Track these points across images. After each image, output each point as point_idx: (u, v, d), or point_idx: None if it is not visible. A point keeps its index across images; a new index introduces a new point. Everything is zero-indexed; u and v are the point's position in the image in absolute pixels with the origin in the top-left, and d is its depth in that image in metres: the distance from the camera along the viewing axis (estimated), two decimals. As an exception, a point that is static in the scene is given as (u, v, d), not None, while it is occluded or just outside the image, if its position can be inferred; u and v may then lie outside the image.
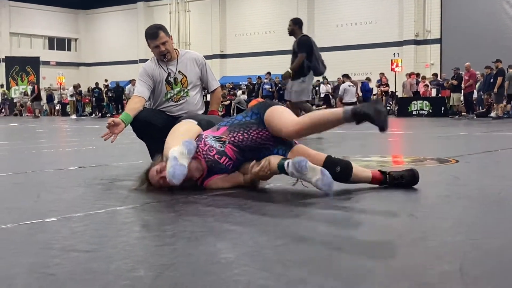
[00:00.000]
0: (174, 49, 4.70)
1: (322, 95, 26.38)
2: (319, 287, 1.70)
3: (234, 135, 3.53)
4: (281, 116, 3.48)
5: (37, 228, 2.59)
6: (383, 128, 3.09)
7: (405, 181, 3.47)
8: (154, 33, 4.57)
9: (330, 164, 3.37)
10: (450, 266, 1.89)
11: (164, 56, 4.59)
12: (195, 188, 3.56)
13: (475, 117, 19.45)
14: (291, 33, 9.40)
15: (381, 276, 1.80)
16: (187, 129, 3.70)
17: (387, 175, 3.48)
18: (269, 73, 25.36)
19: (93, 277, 1.81)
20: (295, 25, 9.40)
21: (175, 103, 4.69)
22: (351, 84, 20.09)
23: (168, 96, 4.68)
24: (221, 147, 3.51)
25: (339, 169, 3.36)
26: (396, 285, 1.71)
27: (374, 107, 3.08)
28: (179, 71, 4.67)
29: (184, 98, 4.70)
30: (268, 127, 3.51)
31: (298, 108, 9.37)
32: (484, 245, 2.20)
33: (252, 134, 3.51)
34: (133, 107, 4.45)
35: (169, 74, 4.65)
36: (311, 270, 1.87)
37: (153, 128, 4.48)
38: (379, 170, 3.53)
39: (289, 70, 9.15)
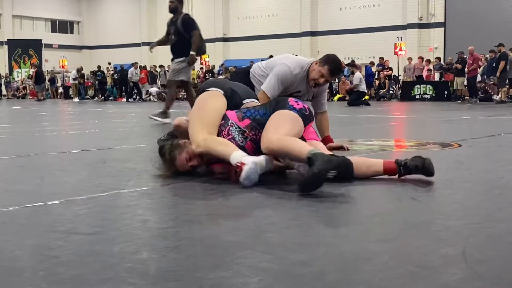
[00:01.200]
0: None
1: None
2: (322, 269, 1.70)
3: (256, 133, 3.43)
4: (274, 124, 3.32)
5: (40, 210, 2.60)
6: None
7: (420, 172, 3.26)
8: (337, 70, 4.56)
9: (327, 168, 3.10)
10: (452, 249, 1.89)
11: (314, 85, 4.55)
12: (197, 171, 3.56)
13: (478, 101, 19.39)
14: (173, 10, 8.97)
15: (384, 259, 1.80)
16: (213, 108, 3.50)
17: (402, 168, 3.26)
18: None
19: (96, 259, 1.82)
20: (179, 3, 9.04)
21: None
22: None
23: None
24: (242, 142, 3.43)
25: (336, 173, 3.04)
26: (399, 268, 1.71)
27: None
28: (304, 95, 4.66)
29: None
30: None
31: (173, 87, 9.23)
32: (487, 229, 2.20)
33: None
34: None
35: (302, 93, 4.64)
36: (313, 253, 1.87)
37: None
38: (395, 161, 3.30)
39: (192, 53, 8.73)
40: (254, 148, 3.44)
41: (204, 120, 3.44)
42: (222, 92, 3.62)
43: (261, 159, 3.17)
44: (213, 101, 3.57)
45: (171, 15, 9.17)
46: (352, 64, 22.78)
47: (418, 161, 3.27)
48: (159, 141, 3.67)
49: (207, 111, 3.50)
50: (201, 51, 9.10)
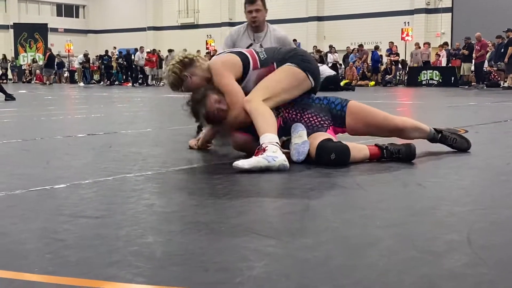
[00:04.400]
0: (266, 22, 4.83)
1: (329, 64, 26.15)
2: (327, 254, 1.71)
3: (290, 111, 3.56)
4: (373, 111, 3.68)
5: (46, 194, 2.61)
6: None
7: (402, 155, 3.41)
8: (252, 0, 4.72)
9: (323, 151, 3.27)
10: (457, 235, 1.90)
11: (253, 23, 4.75)
12: (203, 156, 3.57)
13: (485, 87, 19.30)
14: None
15: (389, 244, 1.80)
16: (293, 95, 3.60)
17: (384, 150, 3.42)
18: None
19: (102, 243, 1.83)
20: None
21: None
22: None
23: None
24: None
25: (333, 156, 3.26)
26: (404, 253, 1.71)
27: (467, 145, 3.79)
28: (261, 45, 4.73)
29: None
30: (352, 117, 3.59)
31: None
32: (492, 215, 2.20)
33: (304, 116, 3.54)
34: None
35: (252, 44, 4.77)
36: (319, 238, 1.88)
37: None
38: (376, 145, 3.46)
39: None
40: (280, 127, 3.49)
41: (278, 95, 3.50)
42: (312, 86, 3.68)
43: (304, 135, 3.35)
44: (301, 89, 3.62)
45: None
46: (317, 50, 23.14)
47: (399, 146, 3.46)
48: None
49: (288, 92, 3.56)
50: None
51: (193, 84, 3.58)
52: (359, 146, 3.43)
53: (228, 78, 3.53)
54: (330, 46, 26.25)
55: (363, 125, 3.63)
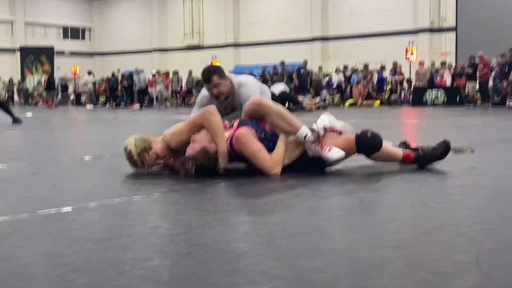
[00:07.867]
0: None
1: (334, 85, 26.13)
2: (334, 276, 1.70)
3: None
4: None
5: (53, 217, 2.61)
6: None
7: (439, 153, 3.69)
8: (207, 78, 4.56)
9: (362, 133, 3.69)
10: (466, 256, 1.88)
11: (217, 98, 4.57)
12: (210, 177, 3.57)
13: (491, 106, 19.27)
14: None
15: (398, 265, 1.79)
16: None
17: (420, 150, 3.67)
18: (282, 62, 25.23)
19: (109, 266, 1.82)
20: None
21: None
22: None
23: None
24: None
25: (370, 134, 3.62)
26: (412, 274, 1.70)
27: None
28: (231, 106, 4.68)
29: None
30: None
31: None
32: (500, 235, 2.18)
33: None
34: None
35: (225, 108, 4.62)
36: (326, 259, 1.87)
37: None
38: (409, 148, 3.77)
39: None
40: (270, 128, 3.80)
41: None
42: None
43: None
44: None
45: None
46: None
47: (437, 151, 3.76)
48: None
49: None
50: None
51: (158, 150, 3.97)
52: (392, 147, 3.83)
53: (184, 130, 3.89)
54: (343, 67, 26.09)
55: None
